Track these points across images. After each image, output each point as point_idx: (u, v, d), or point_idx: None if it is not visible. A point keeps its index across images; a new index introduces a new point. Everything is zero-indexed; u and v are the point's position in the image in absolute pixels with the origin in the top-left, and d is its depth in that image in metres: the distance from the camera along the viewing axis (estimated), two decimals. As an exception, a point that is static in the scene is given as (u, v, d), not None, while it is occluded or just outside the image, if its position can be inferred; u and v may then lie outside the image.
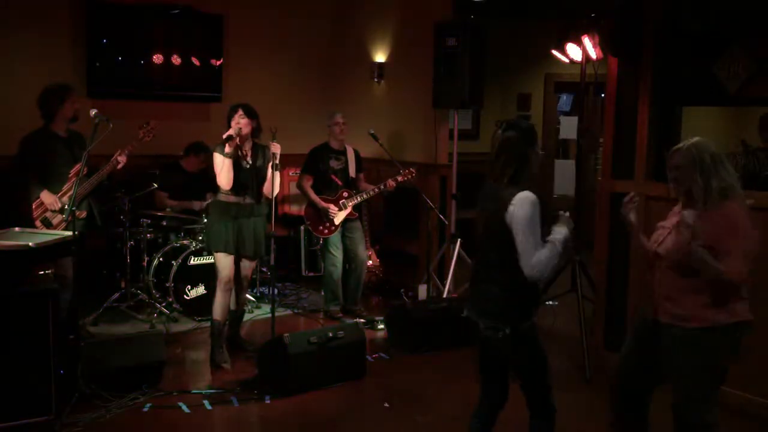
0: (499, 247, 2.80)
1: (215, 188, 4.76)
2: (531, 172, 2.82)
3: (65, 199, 4.63)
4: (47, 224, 4.63)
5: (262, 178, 4.74)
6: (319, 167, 5.78)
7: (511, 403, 3.06)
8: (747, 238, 2.81)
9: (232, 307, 4.98)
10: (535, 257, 2.70)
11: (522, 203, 2.72)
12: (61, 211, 4.61)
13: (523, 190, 2.75)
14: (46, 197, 4.62)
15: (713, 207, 2.84)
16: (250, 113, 4.63)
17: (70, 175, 4.69)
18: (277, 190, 4.65)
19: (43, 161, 4.65)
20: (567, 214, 2.89)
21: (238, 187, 4.64)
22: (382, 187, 5.78)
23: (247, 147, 4.70)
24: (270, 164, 4.57)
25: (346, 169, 5.86)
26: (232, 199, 4.68)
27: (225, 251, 4.68)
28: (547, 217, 2.82)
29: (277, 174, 4.55)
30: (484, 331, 2.87)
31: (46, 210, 4.65)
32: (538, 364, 2.92)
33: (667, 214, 3.14)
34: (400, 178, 5.76)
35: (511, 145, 2.81)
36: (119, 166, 4.73)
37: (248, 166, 4.66)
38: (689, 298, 2.90)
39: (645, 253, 3.14)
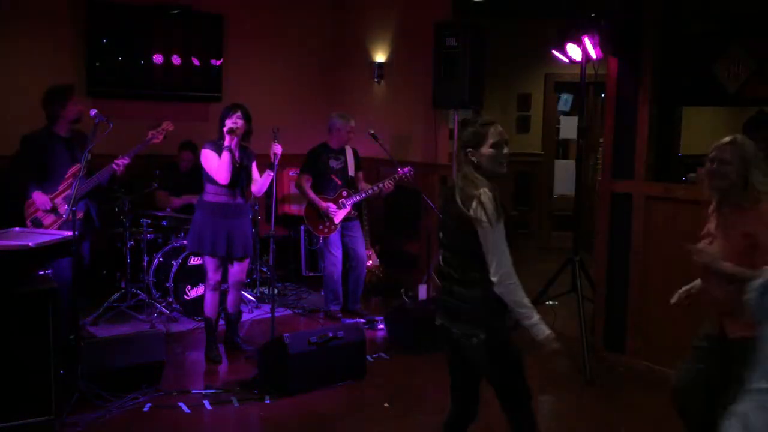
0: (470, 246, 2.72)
1: (200, 189, 4.81)
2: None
3: (58, 200, 4.62)
4: (37, 225, 4.58)
5: (249, 178, 4.83)
6: (318, 167, 5.78)
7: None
8: None
9: (230, 309, 5.00)
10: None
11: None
12: (53, 211, 4.59)
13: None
14: (38, 197, 4.59)
15: (751, 205, 2.84)
16: (247, 116, 4.69)
17: (66, 176, 4.67)
18: (263, 190, 4.81)
19: (41, 161, 4.63)
20: None
21: (229, 185, 4.68)
22: (381, 185, 5.79)
23: (235, 147, 4.73)
24: (254, 165, 4.80)
25: (345, 168, 5.86)
26: (223, 199, 4.71)
27: (213, 254, 4.71)
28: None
29: (270, 174, 4.70)
30: (457, 338, 2.78)
31: (37, 210, 4.61)
32: (513, 372, 2.79)
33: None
34: (397, 177, 5.77)
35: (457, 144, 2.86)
36: (120, 170, 4.68)
37: (237, 166, 4.69)
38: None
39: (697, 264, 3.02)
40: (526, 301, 2.68)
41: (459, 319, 2.77)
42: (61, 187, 4.66)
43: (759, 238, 2.79)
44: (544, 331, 2.69)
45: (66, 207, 4.56)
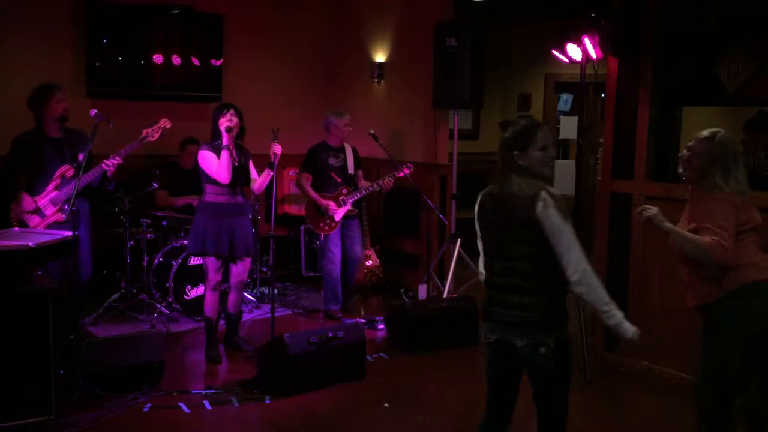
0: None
1: (200, 189, 4.82)
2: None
3: (44, 201, 4.57)
4: (22, 226, 4.48)
5: (248, 177, 4.85)
6: (318, 165, 5.78)
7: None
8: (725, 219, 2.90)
9: (231, 310, 5.00)
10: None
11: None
12: (37, 213, 4.55)
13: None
14: (23, 199, 4.53)
15: (706, 196, 2.99)
16: (240, 113, 4.70)
17: (54, 177, 4.59)
18: (263, 188, 4.86)
19: (29, 162, 4.58)
20: None
21: (230, 185, 4.69)
22: (380, 182, 5.80)
23: (232, 146, 4.73)
24: (251, 163, 4.84)
25: (345, 166, 5.86)
26: (224, 198, 4.71)
27: (217, 255, 4.72)
28: None
29: (270, 173, 4.72)
30: (521, 350, 2.64)
31: (23, 212, 4.54)
32: (567, 381, 2.71)
33: (666, 214, 3.15)
34: (398, 174, 5.78)
35: (500, 146, 2.73)
36: (111, 170, 4.57)
37: (236, 165, 4.70)
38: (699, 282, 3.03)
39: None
40: (608, 298, 2.59)
41: (524, 329, 2.62)
42: (47, 189, 4.60)
43: (699, 225, 2.94)
44: (629, 328, 2.61)
45: (52, 209, 4.54)
